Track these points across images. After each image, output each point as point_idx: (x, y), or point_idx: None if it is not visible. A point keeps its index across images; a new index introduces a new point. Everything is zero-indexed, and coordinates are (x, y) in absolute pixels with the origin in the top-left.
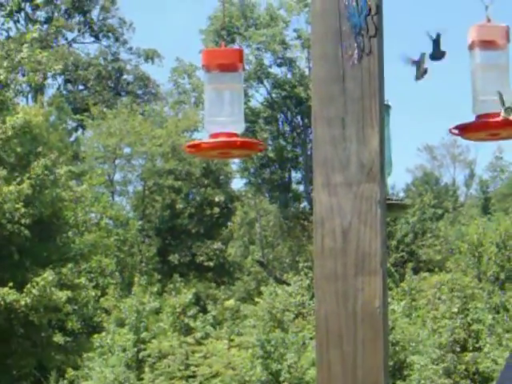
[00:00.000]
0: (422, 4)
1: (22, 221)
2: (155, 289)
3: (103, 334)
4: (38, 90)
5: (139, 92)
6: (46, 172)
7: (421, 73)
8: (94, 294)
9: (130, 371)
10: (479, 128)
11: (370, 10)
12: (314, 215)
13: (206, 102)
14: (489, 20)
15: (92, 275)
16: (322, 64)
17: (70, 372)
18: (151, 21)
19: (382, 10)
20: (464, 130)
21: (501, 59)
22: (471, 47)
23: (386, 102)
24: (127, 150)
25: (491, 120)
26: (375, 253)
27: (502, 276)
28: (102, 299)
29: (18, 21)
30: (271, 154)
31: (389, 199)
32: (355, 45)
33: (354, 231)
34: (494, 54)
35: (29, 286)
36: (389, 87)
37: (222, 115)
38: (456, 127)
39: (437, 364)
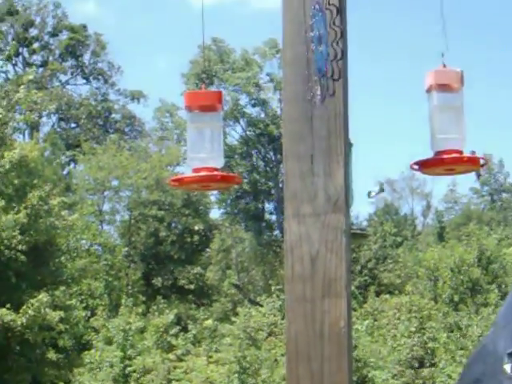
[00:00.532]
0: (384, 49)
1: (19, 247)
2: (140, 310)
3: (92, 351)
4: (33, 127)
5: (126, 129)
6: (40, 202)
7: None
8: (84, 314)
9: None
10: (436, 164)
11: (335, 55)
12: (284, 243)
13: (188, 139)
14: (444, 65)
15: (82, 297)
16: (292, 105)
17: None
18: (138, 64)
19: (346, 55)
20: (423, 165)
21: (456, 101)
22: (429, 90)
23: (349, 140)
24: (115, 183)
25: (447, 156)
26: (340, 277)
27: (456, 298)
28: (91, 319)
29: (16, 64)
30: (246, 187)
31: (353, 229)
32: (319, 87)
33: (322, 258)
34: (449, 96)
35: (25, 307)
36: (353, 125)
37: (203, 151)
38: (416, 163)
39: (397, 379)
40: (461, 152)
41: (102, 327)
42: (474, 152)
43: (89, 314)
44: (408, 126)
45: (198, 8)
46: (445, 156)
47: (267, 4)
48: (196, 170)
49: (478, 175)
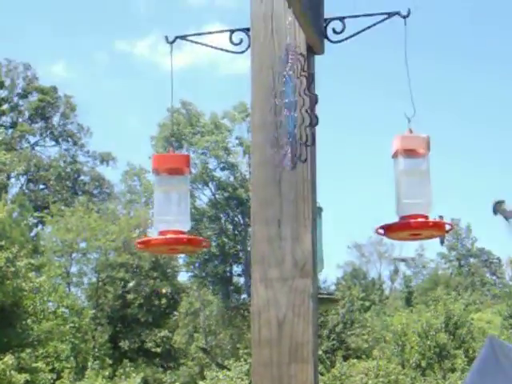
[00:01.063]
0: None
1: None
2: (107, 373)
3: None
4: (2, 188)
5: (95, 192)
6: (7, 264)
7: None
8: (50, 377)
9: None
10: (401, 228)
11: (310, 121)
12: (251, 307)
13: (155, 202)
14: (411, 131)
15: (48, 359)
16: (260, 169)
17: None
18: (108, 126)
19: (317, 121)
20: (388, 230)
21: (422, 166)
22: (395, 155)
23: (318, 205)
24: (83, 245)
25: (412, 221)
26: (307, 342)
27: (424, 363)
28: (57, 382)
29: None
30: (214, 250)
31: (320, 293)
32: (289, 153)
33: (289, 322)
34: (415, 161)
35: None
36: (322, 191)
37: (169, 214)
38: (381, 227)
39: None
40: (426, 217)
41: None
42: (441, 216)
43: (55, 376)
44: (377, 190)
45: (168, 71)
46: (410, 221)
47: (237, 69)
48: (162, 233)
49: (442, 240)
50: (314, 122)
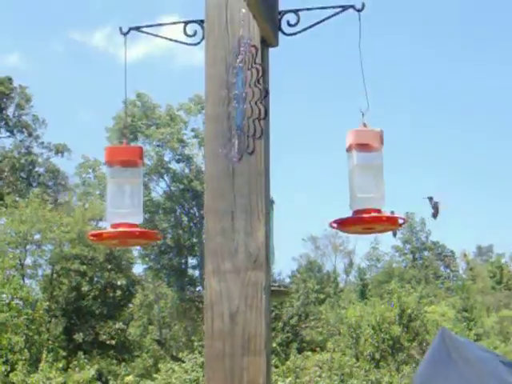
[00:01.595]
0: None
1: None
2: (61, 365)
3: None
4: None
5: (49, 183)
6: None
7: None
8: (3, 369)
9: None
10: (355, 222)
11: (259, 113)
12: (204, 299)
13: (108, 194)
14: (365, 125)
15: (2, 351)
16: (213, 162)
17: None
18: (63, 117)
19: (269, 114)
20: (341, 224)
21: (376, 160)
22: (349, 149)
23: (271, 198)
24: (37, 236)
25: (366, 215)
26: (260, 334)
27: (377, 355)
28: (11, 374)
29: None
30: (170, 242)
31: (274, 285)
32: (236, 145)
33: (241, 315)
34: (369, 155)
35: None
36: (276, 183)
37: (122, 207)
38: (335, 221)
39: None
40: (379, 211)
41: (21, 382)
42: (392, 212)
43: (8, 368)
44: (332, 184)
45: (124, 62)
46: (364, 215)
47: (193, 60)
48: (115, 226)
49: (394, 233)
50: (262, 114)
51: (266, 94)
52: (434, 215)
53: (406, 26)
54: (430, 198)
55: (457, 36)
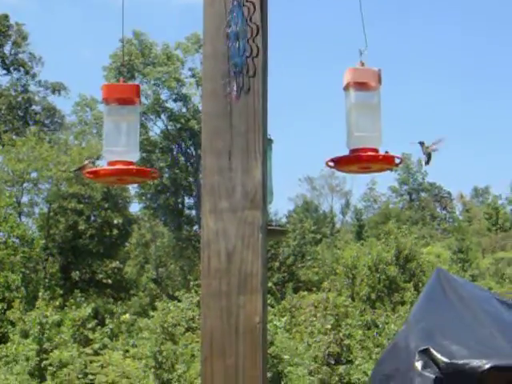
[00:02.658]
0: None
1: None
2: (57, 303)
3: (8, 344)
4: None
5: (46, 122)
6: None
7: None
8: (0, 307)
9: (32, 379)
10: (351, 161)
11: (251, 51)
12: (201, 238)
13: (104, 132)
14: (362, 64)
15: None
16: (210, 100)
17: None
18: (60, 55)
19: (265, 51)
20: (338, 162)
21: (373, 99)
22: (346, 88)
23: (268, 136)
24: (34, 175)
25: (362, 154)
26: (256, 273)
27: (373, 296)
28: (7, 312)
29: None
30: (166, 182)
31: (270, 225)
32: (235, 83)
33: (238, 253)
34: (367, 94)
35: None
36: (273, 122)
37: (119, 145)
38: (331, 160)
39: (313, 375)
40: (376, 150)
41: (18, 320)
42: (387, 152)
43: (5, 306)
44: (329, 123)
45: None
46: (360, 154)
47: None
48: (111, 164)
49: (427, 161)
50: (260, 52)
51: (258, 31)
52: (426, 162)
53: None
54: (422, 143)
55: None
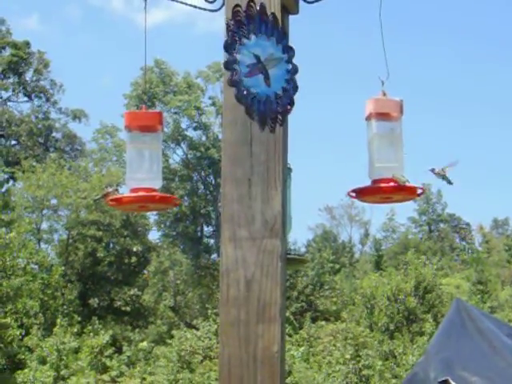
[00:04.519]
0: (325, 74)
1: None
2: (75, 329)
3: (26, 370)
4: None
5: (66, 149)
6: None
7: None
8: (18, 333)
9: None
10: (373, 192)
11: None
12: (220, 266)
13: (127, 159)
14: (384, 94)
15: (17, 315)
16: (231, 128)
17: None
18: (81, 83)
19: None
20: (360, 193)
21: (395, 130)
22: (368, 118)
23: (289, 165)
24: (54, 202)
25: (384, 185)
26: (275, 302)
27: (392, 326)
28: (25, 338)
29: None
30: (186, 210)
31: (289, 254)
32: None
33: (257, 282)
34: (388, 125)
35: None
36: (293, 151)
37: (141, 172)
38: (353, 190)
39: None
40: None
41: (36, 346)
42: (407, 181)
43: (23, 332)
44: (349, 153)
45: (143, 27)
46: (382, 184)
47: (214, 27)
48: (134, 191)
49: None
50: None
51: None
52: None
53: None
54: (433, 170)
55: None
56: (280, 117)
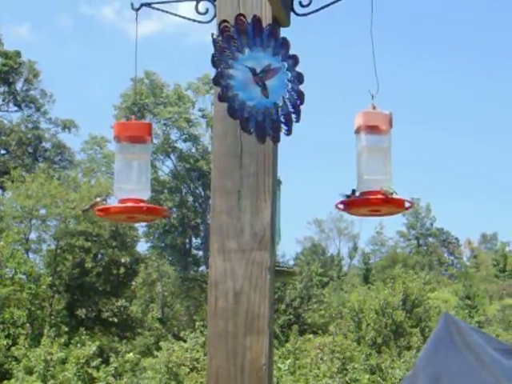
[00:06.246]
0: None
1: None
2: (62, 340)
3: (12, 380)
4: None
5: (56, 159)
6: None
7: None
8: (5, 342)
9: None
10: (361, 204)
11: None
12: (209, 278)
13: (115, 170)
14: (374, 107)
15: (4, 325)
16: (221, 140)
17: None
18: (71, 93)
19: None
20: (348, 205)
21: (384, 143)
22: (358, 131)
23: (278, 178)
24: (43, 212)
25: (372, 197)
26: (264, 314)
27: (379, 340)
28: (12, 348)
29: None
30: (174, 221)
31: (278, 266)
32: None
33: (245, 294)
34: (377, 138)
35: None
36: (282, 164)
37: (130, 183)
38: (341, 202)
39: None
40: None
41: (23, 357)
42: (395, 192)
43: (10, 342)
44: (338, 166)
45: (134, 39)
46: (370, 197)
47: (204, 39)
48: (122, 201)
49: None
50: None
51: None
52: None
53: None
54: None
55: None
56: (284, 126)
